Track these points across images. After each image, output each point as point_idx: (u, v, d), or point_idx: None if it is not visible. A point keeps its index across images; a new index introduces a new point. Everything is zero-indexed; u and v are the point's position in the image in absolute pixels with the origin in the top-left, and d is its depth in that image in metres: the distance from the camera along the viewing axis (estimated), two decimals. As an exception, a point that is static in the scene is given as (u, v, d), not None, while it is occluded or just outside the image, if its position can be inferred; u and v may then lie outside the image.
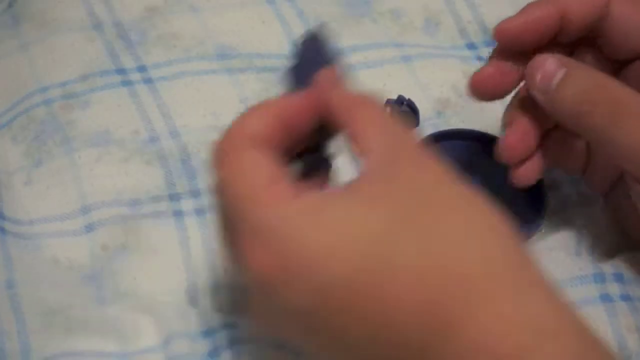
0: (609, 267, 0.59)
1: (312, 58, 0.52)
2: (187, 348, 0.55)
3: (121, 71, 0.66)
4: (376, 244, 0.42)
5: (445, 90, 0.66)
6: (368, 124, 0.47)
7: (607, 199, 0.60)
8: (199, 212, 0.61)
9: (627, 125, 0.50)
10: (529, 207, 0.59)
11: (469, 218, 0.44)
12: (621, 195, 0.58)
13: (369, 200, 0.44)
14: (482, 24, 0.70)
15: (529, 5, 0.55)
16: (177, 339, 0.55)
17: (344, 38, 0.68)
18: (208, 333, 0.56)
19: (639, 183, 0.52)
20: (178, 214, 0.61)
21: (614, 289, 0.57)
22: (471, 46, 0.69)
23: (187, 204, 0.61)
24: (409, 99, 0.64)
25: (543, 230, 0.60)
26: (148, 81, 0.65)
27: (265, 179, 0.45)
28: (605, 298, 0.57)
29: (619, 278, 0.58)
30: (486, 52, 0.68)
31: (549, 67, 0.52)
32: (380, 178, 0.44)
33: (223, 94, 0.65)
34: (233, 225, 0.46)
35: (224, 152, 0.47)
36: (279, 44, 0.68)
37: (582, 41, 0.56)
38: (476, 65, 0.64)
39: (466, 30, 0.69)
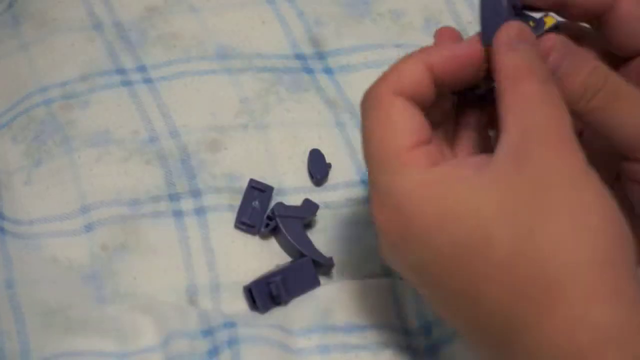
0: None
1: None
2: (187, 347, 0.55)
3: (121, 71, 0.66)
4: (484, 224, 0.46)
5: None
6: (519, 102, 0.48)
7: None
8: (199, 212, 0.61)
9: (623, 107, 0.51)
10: None
11: (576, 220, 0.46)
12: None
13: (491, 183, 0.47)
14: (482, 25, 0.70)
15: None
16: (176, 338, 0.55)
17: (344, 38, 0.68)
18: (208, 332, 0.56)
19: (637, 162, 0.53)
20: (178, 214, 0.61)
21: None
22: (472, 46, 0.69)
23: (186, 204, 0.61)
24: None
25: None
26: (148, 81, 0.65)
27: (406, 139, 0.49)
28: None
29: None
30: (486, 52, 0.68)
31: (562, 49, 0.52)
32: (508, 163, 0.47)
33: (223, 94, 0.65)
34: (370, 175, 0.50)
35: (376, 98, 0.50)
36: (279, 44, 0.68)
37: (587, 35, 0.56)
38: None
39: (466, 31, 0.69)
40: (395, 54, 0.67)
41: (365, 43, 0.68)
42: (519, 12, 0.52)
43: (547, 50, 0.51)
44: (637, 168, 0.52)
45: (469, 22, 0.70)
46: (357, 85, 0.67)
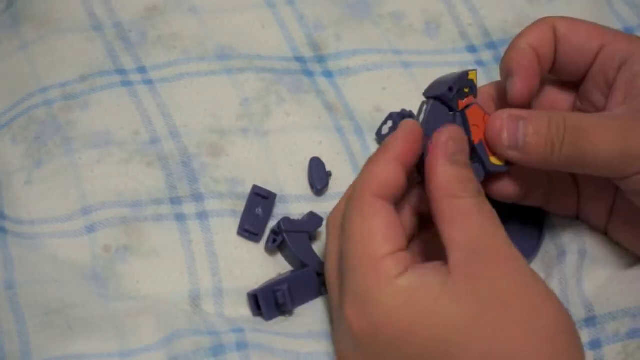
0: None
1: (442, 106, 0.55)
2: (190, 345, 0.55)
3: (121, 72, 0.66)
4: (446, 333, 0.50)
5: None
6: (459, 217, 0.52)
7: (608, 231, 0.61)
8: (201, 216, 0.61)
9: (590, 144, 0.54)
10: (525, 238, 0.61)
11: (529, 329, 0.50)
12: (620, 222, 0.59)
13: (451, 295, 0.51)
14: (482, 27, 0.70)
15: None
16: (180, 337, 0.55)
17: (344, 41, 0.68)
18: (213, 332, 0.56)
19: (623, 181, 0.55)
20: (180, 218, 0.61)
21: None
22: (472, 49, 0.69)
23: (188, 208, 0.61)
24: (410, 112, 0.64)
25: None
26: (148, 82, 0.65)
27: (381, 247, 0.52)
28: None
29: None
30: (486, 54, 0.68)
31: (512, 126, 0.55)
32: (461, 281, 0.51)
33: (223, 95, 0.65)
34: (346, 272, 0.53)
35: (359, 201, 0.53)
36: (279, 48, 0.68)
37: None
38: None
39: (466, 33, 0.69)
40: (395, 59, 0.68)
41: (365, 46, 0.68)
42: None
43: (498, 131, 0.55)
44: (630, 183, 0.54)
45: (469, 24, 0.70)
46: (356, 88, 0.67)
